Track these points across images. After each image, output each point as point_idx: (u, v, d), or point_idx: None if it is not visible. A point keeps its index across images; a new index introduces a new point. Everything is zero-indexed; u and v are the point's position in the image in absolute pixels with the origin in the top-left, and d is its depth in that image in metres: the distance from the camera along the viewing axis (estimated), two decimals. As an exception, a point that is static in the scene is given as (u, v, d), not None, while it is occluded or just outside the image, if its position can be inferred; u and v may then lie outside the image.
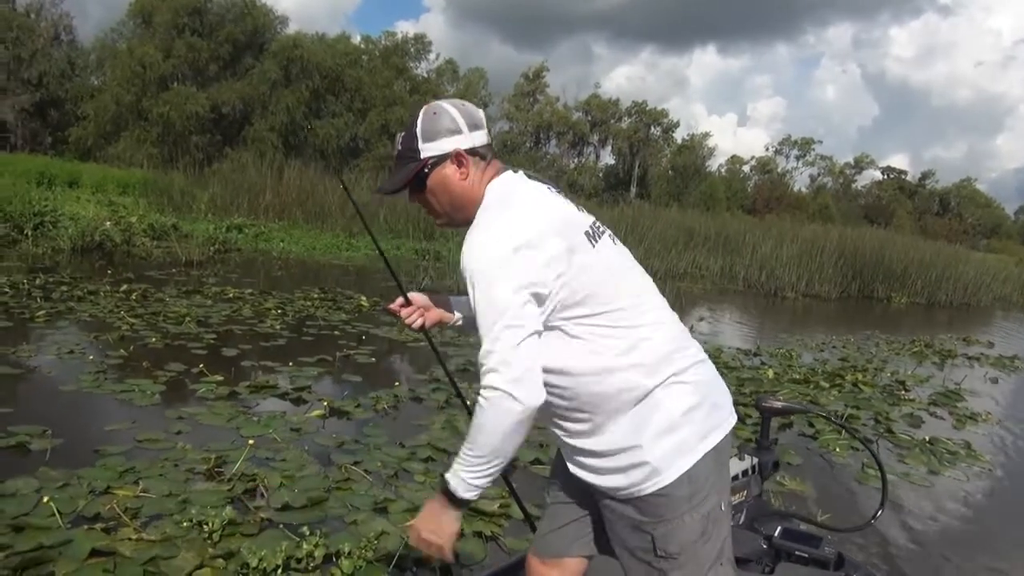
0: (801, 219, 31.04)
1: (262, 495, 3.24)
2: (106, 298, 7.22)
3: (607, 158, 49.86)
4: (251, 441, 3.68)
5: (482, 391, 1.38)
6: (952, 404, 6.61)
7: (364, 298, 8.77)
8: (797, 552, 2.39)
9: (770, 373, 6.91)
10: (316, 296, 8.69)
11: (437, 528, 1.55)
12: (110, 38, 33.93)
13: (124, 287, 7.78)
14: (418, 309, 1.90)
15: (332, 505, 3.23)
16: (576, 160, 45.94)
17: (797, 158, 54.32)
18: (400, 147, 1.57)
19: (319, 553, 2.71)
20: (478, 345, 1.40)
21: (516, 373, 1.35)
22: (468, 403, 1.81)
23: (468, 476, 1.46)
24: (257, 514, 3.04)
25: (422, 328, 1.91)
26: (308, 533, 2.80)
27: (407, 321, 1.89)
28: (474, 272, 1.42)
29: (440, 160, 1.55)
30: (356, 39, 31.44)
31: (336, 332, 6.91)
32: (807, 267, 16.92)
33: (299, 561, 2.66)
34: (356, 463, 3.71)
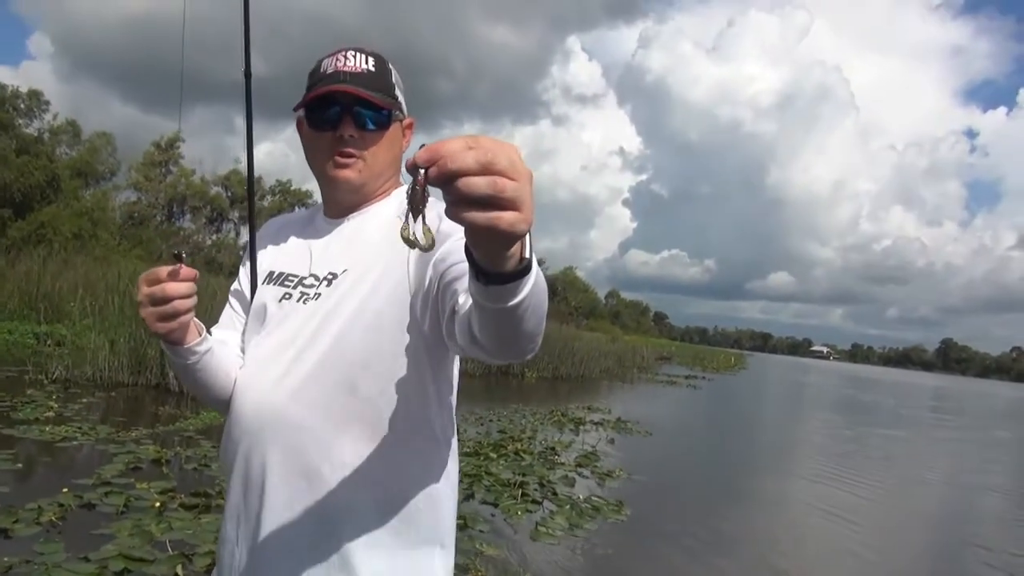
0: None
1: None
2: None
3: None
4: None
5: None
6: (592, 464, 7.73)
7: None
8: None
9: (445, 448, 7.39)
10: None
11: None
12: None
13: None
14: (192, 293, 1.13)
15: (18, 639, 2.78)
16: (215, 236, 43.63)
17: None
18: (373, 69, 1.26)
19: None
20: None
21: None
22: None
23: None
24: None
25: (177, 316, 1.12)
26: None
27: (174, 303, 1.10)
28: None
29: (400, 116, 1.31)
30: (-59, 84, 26.34)
31: (-43, 436, 5.74)
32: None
33: None
34: (36, 587, 3.21)
